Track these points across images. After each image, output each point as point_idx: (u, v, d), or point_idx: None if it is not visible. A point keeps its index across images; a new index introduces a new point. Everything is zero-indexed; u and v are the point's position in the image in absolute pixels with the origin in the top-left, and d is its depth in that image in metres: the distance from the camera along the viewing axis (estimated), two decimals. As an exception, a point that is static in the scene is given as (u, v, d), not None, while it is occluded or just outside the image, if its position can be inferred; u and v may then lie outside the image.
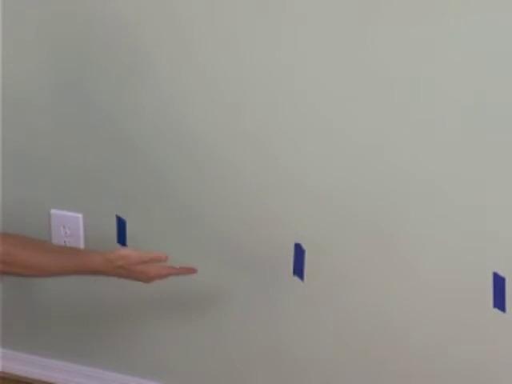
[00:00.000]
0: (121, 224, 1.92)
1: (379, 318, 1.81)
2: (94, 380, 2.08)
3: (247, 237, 1.84)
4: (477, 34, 1.57)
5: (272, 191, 1.80)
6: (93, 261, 1.65)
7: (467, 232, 1.69)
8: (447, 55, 1.60)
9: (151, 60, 1.80)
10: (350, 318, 1.83)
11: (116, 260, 1.65)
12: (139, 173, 1.89)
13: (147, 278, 1.70)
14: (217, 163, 1.82)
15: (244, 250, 1.85)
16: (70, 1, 1.82)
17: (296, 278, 1.83)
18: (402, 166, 1.69)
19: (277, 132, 1.76)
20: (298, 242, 1.80)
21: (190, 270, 1.76)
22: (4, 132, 1.94)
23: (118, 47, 1.81)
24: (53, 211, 1.99)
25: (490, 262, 1.69)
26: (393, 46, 1.63)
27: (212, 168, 1.83)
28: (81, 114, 1.89)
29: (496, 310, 1.70)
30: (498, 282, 1.68)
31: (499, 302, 1.69)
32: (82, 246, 1.98)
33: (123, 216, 1.92)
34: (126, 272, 1.67)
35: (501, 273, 1.68)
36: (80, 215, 1.97)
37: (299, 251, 1.81)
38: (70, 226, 1.98)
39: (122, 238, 1.93)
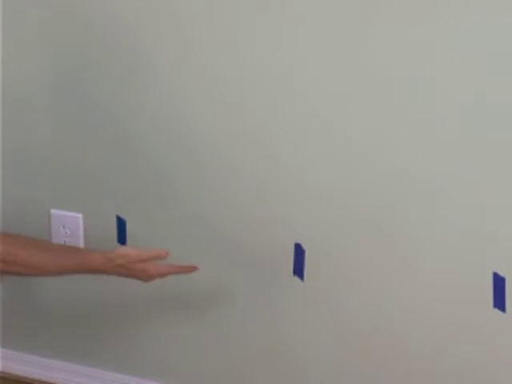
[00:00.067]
0: (121, 224, 1.92)
1: (379, 318, 1.81)
2: (94, 380, 2.08)
3: (247, 237, 1.84)
4: (477, 34, 1.57)
5: (272, 191, 1.80)
6: (93, 260, 1.64)
7: (467, 232, 1.69)
8: (447, 55, 1.60)
9: (151, 60, 1.80)
10: (350, 318, 1.83)
11: (116, 259, 1.64)
12: (139, 173, 1.89)
13: (147, 277, 1.69)
14: (217, 163, 1.82)
15: (244, 249, 1.85)
16: (70, 1, 1.82)
17: (296, 278, 1.83)
18: (402, 166, 1.69)
19: (277, 132, 1.76)
20: (298, 242, 1.80)
21: (191, 268, 1.75)
22: (4, 132, 1.94)
23: (118, 47, 1.81)
24: (53, 211, 1.99)
25: (490, 262, 1.69)
26: (393, 46, 1.63)
27: (212, 168, 1.83)
28: (81, 114, 1.89)
29: (496, 310, 1.70)
30: (498, 282, 1.68)
31: (499, 302, 1.69)
32: (81, 246, 1.98)
33: (123, 216, 1.92)
34: (126, 270, 1.66)
35: (501, 273, 1.68)
36: (80, 215, 1.97)
37: (299, 251, 1.81)
38: (70, 226, 1.98)
39: (122, 238, 1.93)
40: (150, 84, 1.81)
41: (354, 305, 1.82)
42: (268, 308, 1.89)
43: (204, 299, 1.93)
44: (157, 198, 1.89)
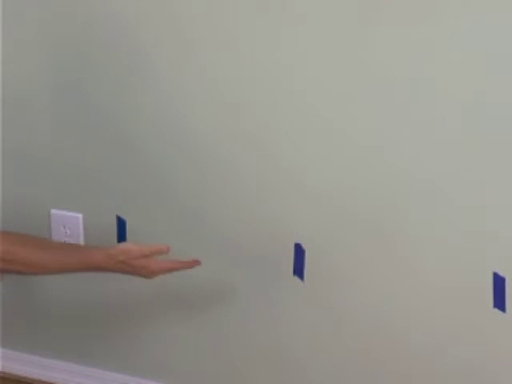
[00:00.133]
0: (121, 224, 1.92)
1: (379, 318, 1.81)
2: (94, 380, 2.08)
3: (247, 237, 1.84)
4: (477, 34, 1.57)
5: (272, 191, 1.80)
6: (94, 257, 1.63)
7: (467, 232, 1.69)
8: (447, 55, 1.60)
9: (151, 60, 1.80)
10: (350, 318, 1.83)
11: (117, 255, 1.63)
12: (139, 173, 1.89)
13: (149, 273, 1.67)
14: (217, 163, 1.82)
15: (244, 249, 1.85)
16: (70, 1, 1.81)
17: (296, 278, 1.83)
18: (402, 165, 1.69)
19: (277, 132, 1.76)
20: (298, 242, 1.80)
21: (194, 263, 1.72)
22: (4, 132, 1.94)
23: (118, 47, 1.81)
24: (53, 211, 1.99)
25: (490, 262, 1.69)
26: (393, 46, 1.63)
27: (212, 168, 1.83)
28: (81, 114, 1.89)
29: (496, 310, 1.70)
30: (498, 282, 1.68)
31: (499, 302, 1.69)
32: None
33: (123, 216, 1.92)
34: (127, 267, 1.65)
35: (501, 273, 1.68)
36: (80, 215, 1.97)
37: (299, 251, 1.81)
38: (69, 225, 1.98)
39: (122, 238, 1.93)
40: (150, 84, 1.81)
41: (353, 305, 1.82)
42: (268, 308, 1.89)
43: (204, 299, 1.93)
44: (157, 198, 1.89)
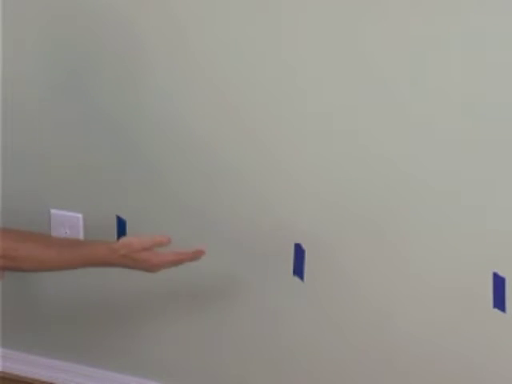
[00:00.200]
0: (121, 224, 1.92)
1: (379, 318, 1.81)
2: (94, 380, 2.08)
3: (247, 237, 1.84)
4: (477, 34, 1.57)
5: (272, 191, 1.80)
6: (97, 252, 1.61)
7: (467, 232, 1.69)
8: (447, 55, 1.60)
9: (151, 60, 1.80)
10: (350, 318, 1.83)
11: (120, 249, 1.61)
12: (139, 173, 1.89)
13: (152, 266, 1.64)
14: (217, 163, 1.82)
15: (244, 250, 1.85)
16: (70, 2, 1.81)
17: (296, 278, 1.83)
18: (401, 166, 1.69)
19: (277, 132, 1.76)
20: (298, 242, 1.80)
21: (197, 254, 1.68)
22: (4, 132, 1.94)
23: (118, 48, 1.81)
24: (53, 211, 1.99)
25: (490, 262, 1.69)
26: (393, 46, 1.63)
27: (212, 168, 1.83)
28: (81, 114, 1.89)
29: (496, 310, 1.70)
30: (498, 282, 1.68)
31: (499, 302, 1.69)
32: (82, 245, 1.98)
33: (123, 216, 1.92)
34: (130, 261, 1.62)
35: (501, 273, 1.68)
36: (80, 215, 1.97)
37: (299, 251, 1.81)
38: (69, 225, 1.98)
39: (122, 238, 1.93)
40: (150, 84, 1.81)
41: (353, 305, 1.82)
42: (268, 308, 1.89)
43: (204, 299, 1.93)
44: (157, 198, 1.89)
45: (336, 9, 1.63)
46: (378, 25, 1.62)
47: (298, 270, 1.82)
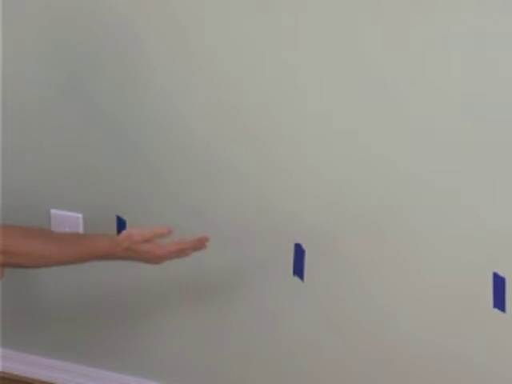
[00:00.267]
0: (121, 224, 1.92)
1: (379, 318, 1.81)
2: (94, 380, 2.08)
3: (247, 237, 1.84)
4: (477, 34, 1.57)
5: (272, 191, 1.80)
6: (100, 246, 1.60)
7: (467, 232, 1.69)
8: (447, 55, 1.60)
9: (151, 60, 1.80)
10: (350, 318, 1.83)
11: (122, 241, 1.60)
12: (139, 173, 1.89)
13: (155, 258, 1.63)
14: (217, 163, 1.82)
15: (244, 249, 1.85)
16: (70, 2, 1.81)
17: (296, 278, 1.83)
18: (402, 166, 1.69)
19: (277, 132, 1.76)
20: (298, 242, 1.80)
21: (201, 242, 1.66)
22: (4, 132, 1.94)
23: (118, 48, 1.81)
24: (53, 211, 1.99)
25: (490, 262, 1.69)
26: (393, 46, 1.63)
27: (212, 168, 1.83)
28: (81, 114, 1.89)
29: (496, 310, 1.70)
30: (498, 282, 1.68)
31: (499, 302, 1.69)
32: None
33: (123, 216, 1.92)
34: (133, 253, 1.61)
35: (501, 273, 1.68)
36: (80, 215, 1.97)
37: (299, 251, 1.81)
38: (69, 225, 1.98)
39: (122, 238, 1.93)
40: (150, 84, 1.81)
41: (354, 305, 1.82)
42: (268, 308, 1.89)
43: (204, 300, 1.93)
44: (157, 198, 1.89)
45: (336, 9, 1.63)
46: (378, 25, 1.62)
47: (298, 270, 1.82)
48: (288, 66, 1.70)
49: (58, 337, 2.09)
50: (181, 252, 1.65)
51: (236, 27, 1.71)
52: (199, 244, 1.66)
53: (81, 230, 1.97)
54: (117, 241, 1.60)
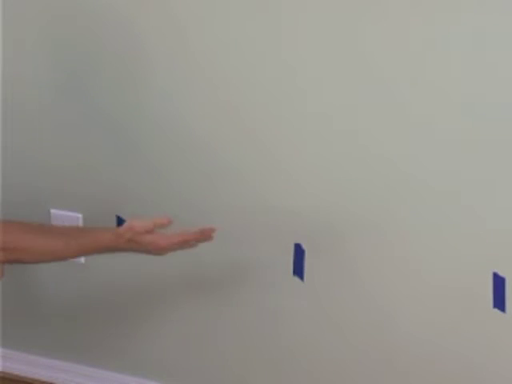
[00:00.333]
0: (120, 224, 1.92)
1: (379, 318, 1.81)
2: (94, 380, 2.08)
3: (247, 237, 1.84)
4: (477, 34, 1.57)
5: (272, 191, 1.80)
6: (102, 239, 1.59)
7: (467, 232, 1.69)
8: (447, 55, 1.60)
9: (151, 60, 1.80)
10: (350, 318, 1.83)
11: (125, 233, 1.59)
12: (139, 173, 1.89)
13: (159, 249, 1.62)
14: (217, 163, 1.82)
15: (244, 249, 1.85)
16: (70, 2, 1.81)
17: (296, 278, 1.83)
18: (402, 166, 1.69)
19: (277, 132, 1.76)
20: (298, 242, 1.80)
21: (205, 234, 1.64)
22: (4, 132, 1.94)
23: (118, 48, 1.81)
24: (53, 211, 1.99)
25: (490, 262, 1.69)
26: (393, 46, 1.63)
27: (212, 168, 1.83)
28: (81, 114, 1.89)
29: (496, 310, 1.70)
30: (498, 282, 1.68)
31: (499, 302, 1.69)
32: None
33: (123, 216, 1.92)
34: (135, 244, 1.60)
35: (501, 273, 1.68)
36: (80, 215, 1.97)
37: (299, 251, 1.81)
38: (70, 225, 1.98)
39: (122, 238, 1.93)
40: (150, 84, 1.81)
41: (354, 305, 1.82)
42: (268, 308, 1.89)
43: (203, 300, 1.93)
44: (157, 198, 1.89)
45: (336, 9, 1.63)
46: (378, 25, 1.62)
47: (298, 270, 1.82)
48: (288, 66, 1.70)
49: (58, 337, 2.10)
50: (184, 244, 1.63)
51: (236, 27, 1.71)
52: (204, 236, 1.64)
53: (81, 229, 1.97)
54: (119, 233, 1.59)
